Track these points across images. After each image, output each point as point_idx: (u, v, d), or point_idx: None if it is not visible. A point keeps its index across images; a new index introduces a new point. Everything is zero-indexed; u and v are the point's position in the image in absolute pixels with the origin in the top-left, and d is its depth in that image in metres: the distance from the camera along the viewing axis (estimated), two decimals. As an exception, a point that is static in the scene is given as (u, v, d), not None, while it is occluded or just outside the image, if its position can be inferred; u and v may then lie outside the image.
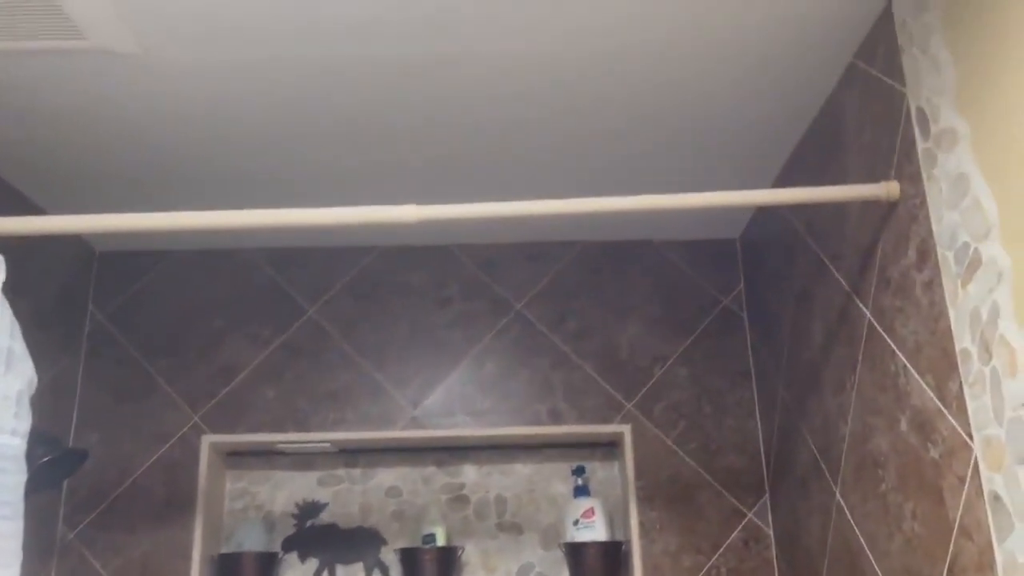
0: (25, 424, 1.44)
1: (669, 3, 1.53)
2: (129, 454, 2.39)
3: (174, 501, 2.35)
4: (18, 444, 1.42)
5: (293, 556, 2.41)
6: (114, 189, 2.18)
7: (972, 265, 1.28)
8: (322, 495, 2.46)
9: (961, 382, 1.32)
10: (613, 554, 2.32)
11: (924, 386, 1.44)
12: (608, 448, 2.52)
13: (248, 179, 2.16)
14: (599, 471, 2.50)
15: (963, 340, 1.31)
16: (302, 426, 2.42)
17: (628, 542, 2.34)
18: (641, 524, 2.34)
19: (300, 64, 1.68)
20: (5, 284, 1.46)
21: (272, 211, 1.53)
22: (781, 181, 2.19)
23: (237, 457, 2.50)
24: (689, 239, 2.60)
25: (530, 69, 1.73)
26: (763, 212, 2.38)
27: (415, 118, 1.91)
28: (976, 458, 1.28)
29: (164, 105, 1.82)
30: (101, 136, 1.94)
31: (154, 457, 2.39)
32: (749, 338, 2.51)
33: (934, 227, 1.40)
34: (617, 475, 2.49)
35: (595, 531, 2.33)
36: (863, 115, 1.67)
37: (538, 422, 2.43)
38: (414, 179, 2.18)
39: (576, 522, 2.36)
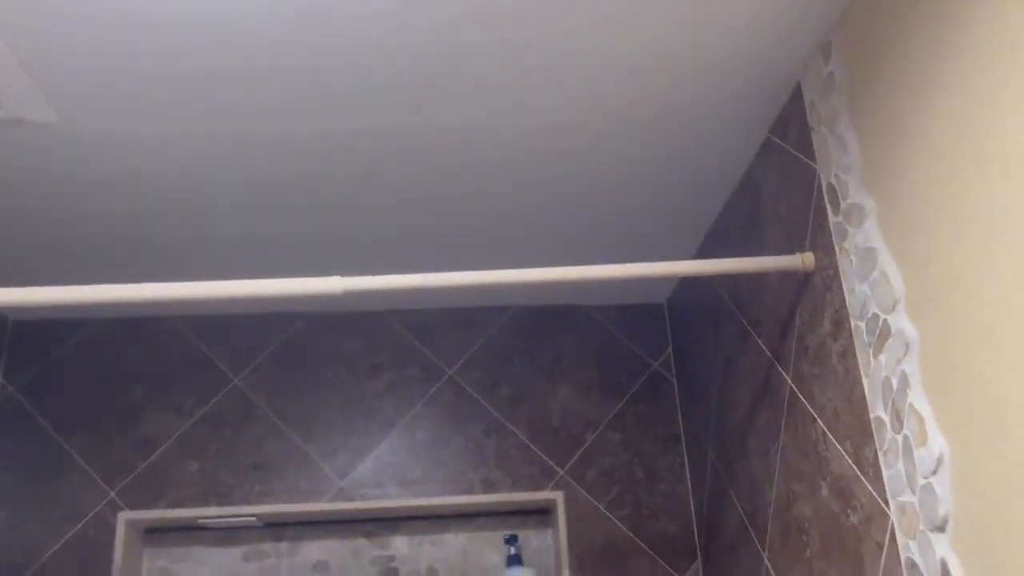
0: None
1: (592, 82, 1.58)
2: (39, 535, 2.27)
3: (87, 583, 2.23)
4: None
5: (214, 638, 2.30)
6: (30, 258, 2.11)
7: (882, 336, 1.33)
8: (247, 571, 2.37)
9: (876, 450, 1.35)
10: (547, 625, 2.28)
11: (843, 453, 1.47)
12: (541, 515, 2.50)
13: (169, 248, 2.12)
14: (533, 539, 2.47)
15: (876, 408, 1.35)
16: (226, 499, 2.34)
17: (562, 612, 2.31)
18: (575, 593, 2.31)
19: (222, 136, 1.67)
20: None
21: (192, 284, 1.49)
22: (705, 248, 2.25)
23: (156, 534, 2.39)
24: (618, 303, 2.64)
25: (456, 143, 1.75)
26: (689, 278, 2.43)
27: (338, 189, 1.91)
28: (893, 524, 1.31)
29: (83, 174, 1.78)
30: (16, 205, 1.88)
31: (66, 537, 2.27)
32: (679, 402, 2.54)
33: (847, 298, 1.45)
34: (551, 543, 2.46)
35: (528, 602, 2.29)
36: (779, 188, 1.74)
37: (471, 491, 2.40)
38: (340, 248, 2.17)
39: (509, 593, 2.32)
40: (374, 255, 2.20)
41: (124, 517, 2.29)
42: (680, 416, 2.52)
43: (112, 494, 2.32)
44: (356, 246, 2.17)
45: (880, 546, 1.34)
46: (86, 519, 2.29)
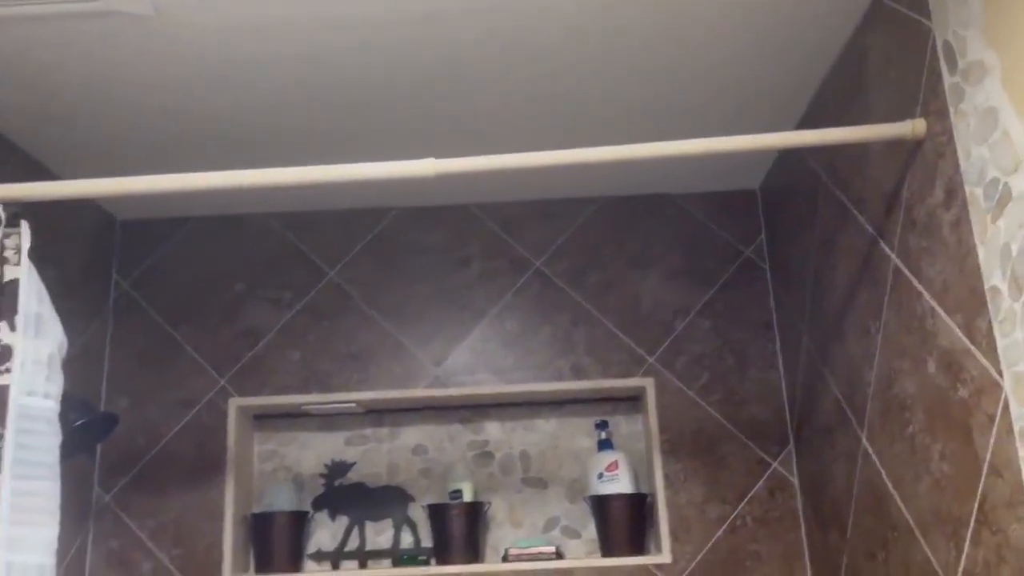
0: (57, 387, 1.47)
1: (686, -57, 1.50)
2: (158, 419, 2.43)
3: (204, 464, 2.38)
4: (51, 406, 1.45)
5: (323, 515, 2.45)
6: (131, 155, 2.18)
7: (1002, 200, 1.26)
8: (349, 455, 2.49)
9: (990, 320, 1.30)
10: (638, 506, 2.33)
11: (952, 326, 1.42)
12: (631, 402, 2.52)
13: (263, 141, 2.15)
14: (622, 425, 2.50)
15: (992, 277, 1.30)
16: (326, 387, 2.44)
17: (653, 494, 2.36)
18: (666, 476, 2.35)
19: (314, 23, 1.67)
20: (30, 251, 1.47)
21: (290, 169, 1.52)
22: (804, 124, 2.16)
23: (264, 420, 2.53)
24: (709, 191, 2.58)
25: (544, 15, 1.70)
26: (783, 160, 2.35)
27: (431, 74, 1.89)
28: (1006, 395, 1.27)
29: (179, 67, 1.81)
30: (116, 101, 1.94)
31: (183, 421, 2.42)
32: (771, 288, 2.49)
33: (962, 163, 1.37)
34: (640, 429, 2.50)
35: (619, 484, 2.35)
36: (887, 53, 1.64)
37: (560, 378, 2.44)
38: (431, 139, 2.17)
39: (600, 475, 2.38)
40: (463, 146, 2.18)
41: (234, 403, 2.42)
42: (773, 303, 2.48)
43: (222, 382, 2.45)
44: (446, 136, 2.15)
45: (991, 418, 1.31)
46: (199, 405, 2.43)
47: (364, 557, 2.41)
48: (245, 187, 1.52)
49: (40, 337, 1.46)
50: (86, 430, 1.91)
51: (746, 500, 2.34)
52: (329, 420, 2.52)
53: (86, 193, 1.54)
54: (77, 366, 2.24)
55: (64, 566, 2.18)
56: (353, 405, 2.44)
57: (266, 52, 1.77)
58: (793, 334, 2.32)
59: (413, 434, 2.51)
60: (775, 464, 2.36)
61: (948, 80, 1.41)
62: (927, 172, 1.49)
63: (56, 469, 1.43)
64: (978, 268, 1.33)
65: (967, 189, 1.36)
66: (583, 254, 2.54)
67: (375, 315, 2.50)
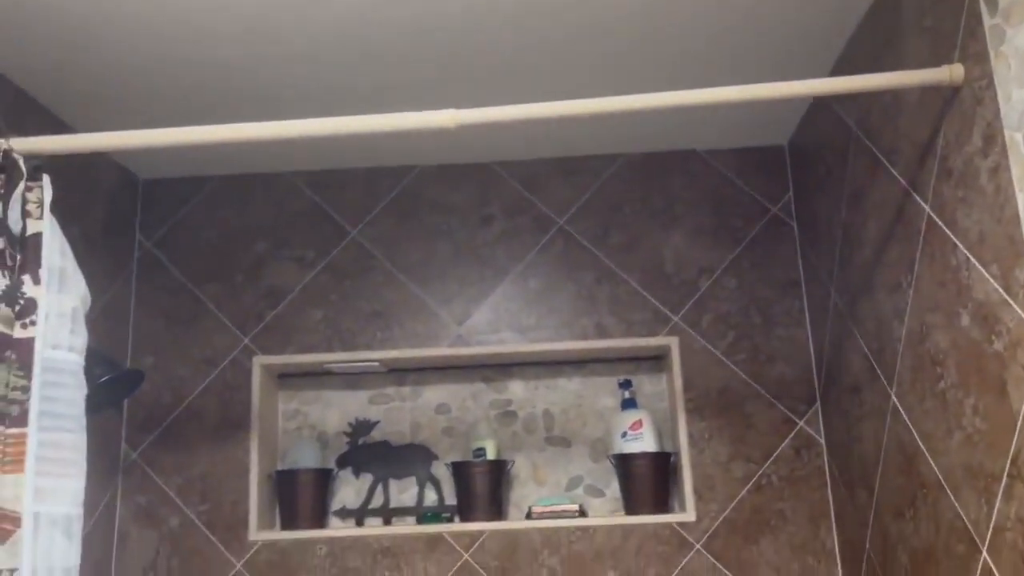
0: (81, 340, 1.47)
1: None
2: (184, 376, 2.44)
3: (229, 421, 2.40)
4: (75, 359, 1.45)
5: (347, 472, 2.46)
6: (154, 114, 2.17)
7: (1043, 144, 1.21)
8: (373, 413, 2.50)
9: (1029, 269, 1.26)
10: (662, 465, 2.33)
11: (988, 277, 1.38)
12: (655, 361, 2.50)
13: (284, 98, 2.13)
14: (646, 384, 2.49)
15: (1032, 225, 1.25)
16: (349, 346, 2.44)
17: (677, 453, 2.35)
18: (690, 435, 2.34)
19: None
20: (52, 205, 1.47)
21: (309, 121, 1.50)
22: (835, 76, 2.09)
23: (288, 378, 2.54)
24: (735, 147, 2.53)
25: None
26: (812, 114, 2.29)
27: (451, 30, 1.85)
28: (1044, 347, 1.23)
29: (200, 21, 1.78)
30: (140, 59, 1.92)
31: (208, 379, 2.44)
32: (799, 246, 2.45)
33: (1002, 108, 1.32)
34: (664, 388, 2.48)
35: (643, 443, 2.34)
36: (923, -3, 1.58)
37: (584, 337, 2.42)
38: (453, 96, 2.13)
39: (624, 434, 2.37)
40: (485, 99, 2.15)
41: (259, 362, 2.43)
42: (800, 260, 2.44)
43: (246, 340, 2.46)
44: (467, 93, 2.12)
45: (1027, 370, 1.27)
46: (224, 364, 2.44)
47: (388, 514, 2.42)
48: (263, 139, 1.51)
49: (64, 291, 1.46)
50: (111, 386, 1.93)
51: (772, 459, 2.32)
52: (352, 379, 2.53)
53: (106, 146, 1.54)
54: (102, 324, 2.26)
55: (93, 521, 2.22)
56: (376, 364, 2.44)
57: (288, 6, 1.74)
58: (821, 291, 2.28)
59: (436, 393, 2.51)
60: (801, 423, 2.34)
61: (988, 22, 1.35)
62: (964, 119, 1.44)
63: (82, 422, 1.44)
64: (1017, 216, 1.29)
65: (1007, 134, 1.31)
66: (607, 212, 2.51)
67: (398, 274, 2.49)
